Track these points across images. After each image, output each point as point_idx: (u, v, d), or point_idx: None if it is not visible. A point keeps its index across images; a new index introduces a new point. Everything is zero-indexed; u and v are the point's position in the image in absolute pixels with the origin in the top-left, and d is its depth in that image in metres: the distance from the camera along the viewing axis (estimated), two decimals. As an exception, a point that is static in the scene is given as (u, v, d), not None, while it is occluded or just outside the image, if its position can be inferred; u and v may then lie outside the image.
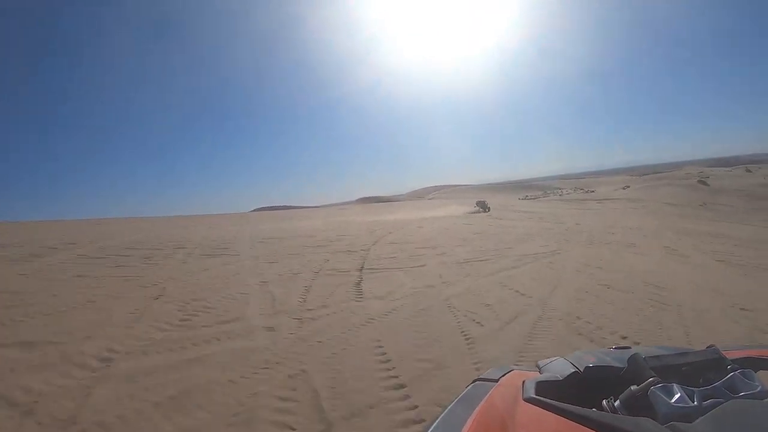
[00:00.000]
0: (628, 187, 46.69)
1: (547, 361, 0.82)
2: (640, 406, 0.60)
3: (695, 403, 0.58)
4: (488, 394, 0.70)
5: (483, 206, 25.76)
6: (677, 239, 12.10)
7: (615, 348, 0.83)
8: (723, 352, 0.72)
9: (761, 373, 0.69)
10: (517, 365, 0.86)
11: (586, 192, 51.64)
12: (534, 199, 50.19)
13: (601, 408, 0.64)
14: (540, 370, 0.79)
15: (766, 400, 0.59)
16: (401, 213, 27.34)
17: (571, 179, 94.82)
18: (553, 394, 0.64)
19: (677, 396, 0.58)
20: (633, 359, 0.69)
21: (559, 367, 0.77)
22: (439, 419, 0.64)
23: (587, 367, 0.73)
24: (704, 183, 37.03)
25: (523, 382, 0.69)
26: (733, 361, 0.70)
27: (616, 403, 0.63)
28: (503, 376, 0.78)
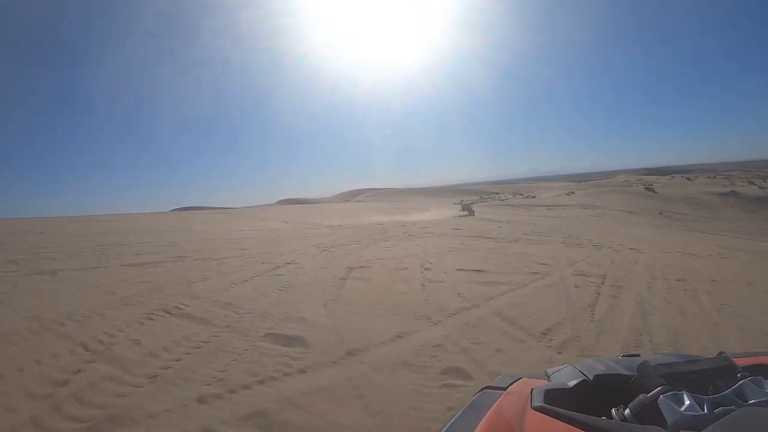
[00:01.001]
0: (573, 193, 44.51)
1: (556, 369, 0.80)
2: (649, 414, 0.59)
3: (705, 411, 0.56)
4: (496, 403, 0.68)
5: (469, 209, 21.92)
6: None
7: (624, 356, 0.80)
8: (733, 359, 0.70)
9: None
10: (525, 374, 0.82)
11: (527, 197, 49.41)
12: (471, 203, 46.91)
13: (610, 416, 0.64)
14: (549, 378, 0.77)
15: None
16: (330, 217, 19.46)
17: (502, 185, 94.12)
18: (561, 402, 0.63)
19: (687, 404, 0.57)
20: (642, 367, 0.67)
21: (568, 376, 0.75)
22: (446, 427, 0.64)
23: (596, 375, 0.72)
24: (652, 190, 34.84)
25: (532, 390, 0.68)
26: (744, 368, 0.68)
27: (626, 412, 0.62)
28: (511, 384, 0.76)
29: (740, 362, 0.70)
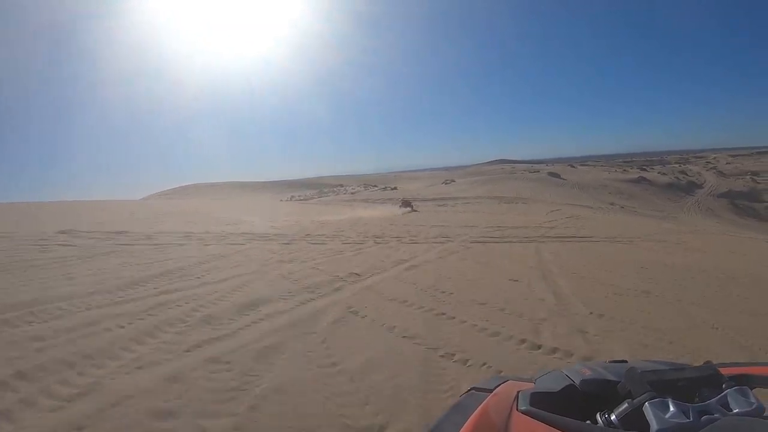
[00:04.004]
0: (453, 181, 33.39)
1: (543, 373, 0.79)
2: (634, 420, 0.59)
3: (690, 419, 0.56)
4: (482, 404, 0.67)
5: (409, 204, 19.94)
6: None
7: (611, 361, 0.80)
8: (719, 368, 0.69)
9: (757, 390, 0.66)
10: (513, 376, 0.82)
11: (385, 189, 36.98)
12: (306, 200, 34.61)
13: (595, 421, 0.64)
14: (535, 381, 0.76)
15: (760, 418, 0.58)
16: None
17: (345, 178, 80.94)
18: (547, 406, 0.63)
19: (672, 411, 0.57)
20: (629, 373, 0.66)
21: (555, 380, 0.74)
22: (432, 427, 0.63)
23: (583, 380, 0.71)
24: (558, 176, 25.73)
25: (518, 393, 0.68)
26: (729, 378, 0.67)
27: (612, 417, 0.62)
28: (498, 386, 0.75)
29: (726, 372, 0.69)
